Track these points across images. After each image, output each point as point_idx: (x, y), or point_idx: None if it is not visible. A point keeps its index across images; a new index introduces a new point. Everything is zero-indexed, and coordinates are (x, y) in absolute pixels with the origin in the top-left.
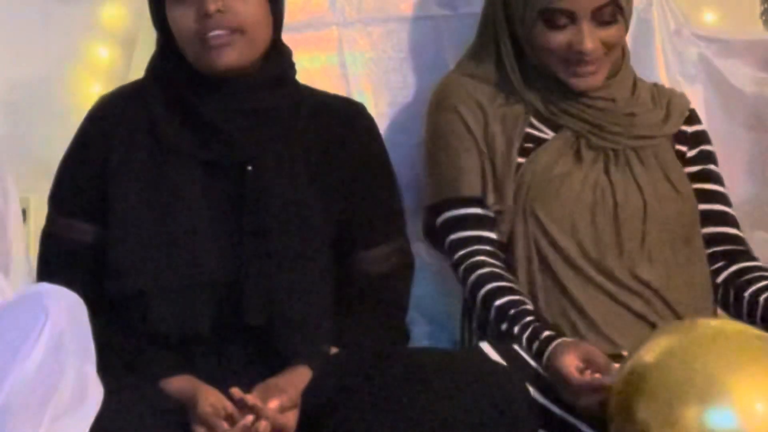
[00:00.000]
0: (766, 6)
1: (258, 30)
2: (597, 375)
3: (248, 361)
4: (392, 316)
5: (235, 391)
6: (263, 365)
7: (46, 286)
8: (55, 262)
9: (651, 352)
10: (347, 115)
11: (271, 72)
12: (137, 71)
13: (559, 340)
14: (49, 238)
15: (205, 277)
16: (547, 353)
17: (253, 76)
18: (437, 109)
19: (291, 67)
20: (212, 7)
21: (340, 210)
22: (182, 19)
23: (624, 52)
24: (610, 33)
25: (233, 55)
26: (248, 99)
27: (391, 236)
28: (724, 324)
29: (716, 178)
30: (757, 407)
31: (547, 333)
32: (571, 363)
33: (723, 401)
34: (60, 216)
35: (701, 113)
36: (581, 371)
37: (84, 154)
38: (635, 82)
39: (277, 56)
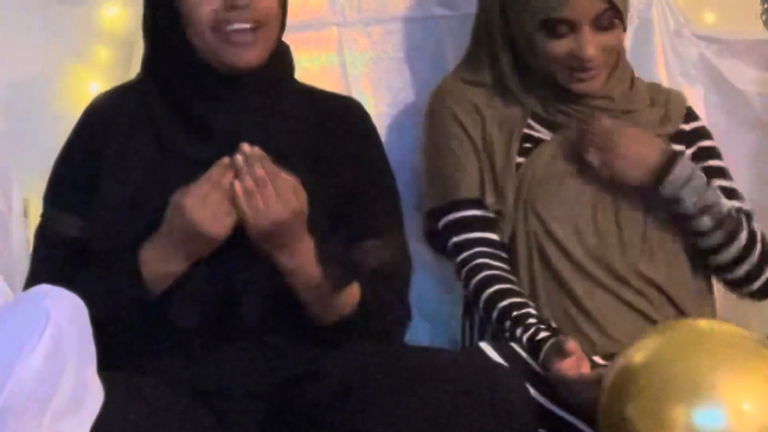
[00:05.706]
0: (766, 6)
1: (275, 25)
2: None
3: (246, 356)
4: (385, 312)
5: (245, 146)
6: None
7: (47, 288)
8: (46, 257)
9: (640, 351)
10: (344, 111)
11: (274, 70)
12: (137, 71)
13: (552, 340)
14: (41, 232)
15: (198, 273)
16: (542, 354)
17: (256, 73)
18: (434, 114)
19: (291, 65)
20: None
21: (335, 204)
22: (202, 7)
23: (620, 49)
24: (610, 38)
25: (255, 55)
26: (250, 97)
27: (385, 231)
28: (713, 324)
29: (718, 173)
30: (745, 407)
31: (543, 334)
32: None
33: (711, 401)
34: (52, 210)
35: (702, 113)
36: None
37: (79, 150)
38: (633, 78)
39: (280, 55)
